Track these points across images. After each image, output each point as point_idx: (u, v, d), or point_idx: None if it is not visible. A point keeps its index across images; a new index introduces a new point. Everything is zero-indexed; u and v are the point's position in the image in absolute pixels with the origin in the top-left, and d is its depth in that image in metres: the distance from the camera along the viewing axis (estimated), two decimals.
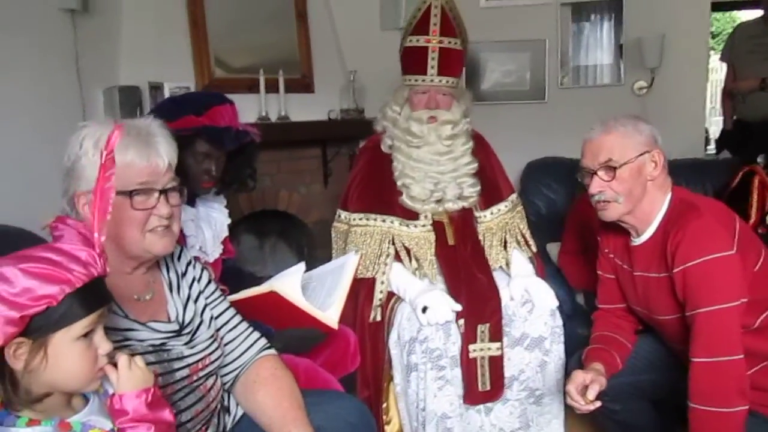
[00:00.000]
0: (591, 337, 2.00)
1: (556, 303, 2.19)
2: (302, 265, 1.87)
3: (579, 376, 1.77)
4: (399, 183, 2.25)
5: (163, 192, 1.30)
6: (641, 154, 1.74)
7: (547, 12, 3.71)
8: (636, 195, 1.75)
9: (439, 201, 2.24)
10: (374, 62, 3.56)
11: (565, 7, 3.70)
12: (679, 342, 1.78)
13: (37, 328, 0.98)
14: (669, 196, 1.78)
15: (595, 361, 1.87)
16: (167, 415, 1.09)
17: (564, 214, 3.16)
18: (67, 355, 1.01)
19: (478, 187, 2.29)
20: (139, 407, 1.05)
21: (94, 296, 1.03)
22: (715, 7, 4.05)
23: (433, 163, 2.23)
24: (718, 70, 10.17)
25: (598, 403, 1.75)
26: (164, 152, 1.31)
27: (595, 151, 1.77)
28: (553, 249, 2.98)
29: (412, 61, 2.22)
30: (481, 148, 2.38)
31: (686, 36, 3.59)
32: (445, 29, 2.17)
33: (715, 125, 8.07)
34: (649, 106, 3.59)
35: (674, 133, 3.57)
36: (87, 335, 1.03)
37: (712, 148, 5.67)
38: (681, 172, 3.20)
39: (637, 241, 1.83)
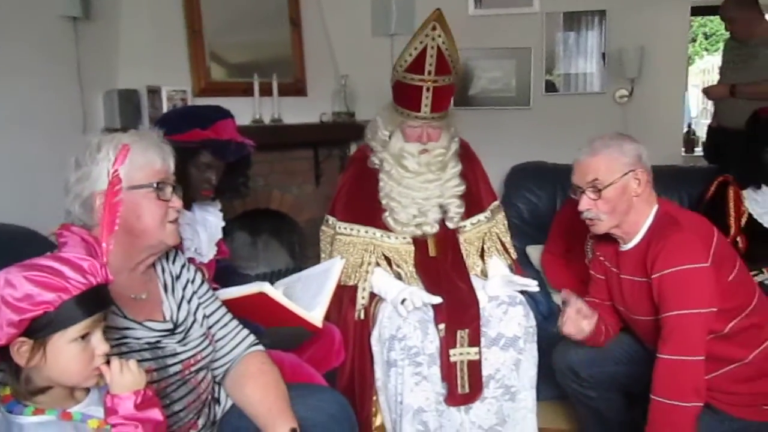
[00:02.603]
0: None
1: (537, 287, 2.27)
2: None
3: (576, 301, 1.99)
4: (384, 202, 2.33)
5: (173, 188, 1.47)
6: (625, 174, 1.89)
7: (532, 21, 3.81)
8: (620, 211, 1.91)
9: (418, 225, 2.33)
10: (365, 67, 3.68)
11: (551, 16, 3.81)
12: (651, 341, 1.93)
13: (36, 329, 1.09)
14: (655, 208, 1.94)
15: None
16: (156, 414, 1.19)
17: (546, 218, 3.28)
18: (63, 355, 1.12)
19: (463, 209, 2.39)
20: (128, 408, 1.15)
21: (90, 303, 1.13)
22: (697, 12, 4.16)
23: (421, 190, 2.32)
24: (709, 71, 10.23)
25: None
26: (170, 157, 1.48)
27: (583, 171, 1.94)
28: (533, 252, 3.11)
29: (406, 98, 2.26)
30: (466, 159, 2.47)
31: (665, 47, 3.70)
32: (440, 69, 2.19)
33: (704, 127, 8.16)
34: (629, 114, 3.71)
35: (653, 141, 3.65)
36: (84, 337, 1.13)
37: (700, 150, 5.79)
38: (658, 179, 3.30)
39: (625, 247, 1.99)
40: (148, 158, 1.43)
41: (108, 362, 1.16)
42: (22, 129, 2.52)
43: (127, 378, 1.16)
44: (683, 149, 5.17)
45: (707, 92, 3.85)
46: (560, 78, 3.87)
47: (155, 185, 1.43)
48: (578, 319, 2.02)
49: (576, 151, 2.04)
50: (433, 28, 2.17)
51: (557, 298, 2.94)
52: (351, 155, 2.61)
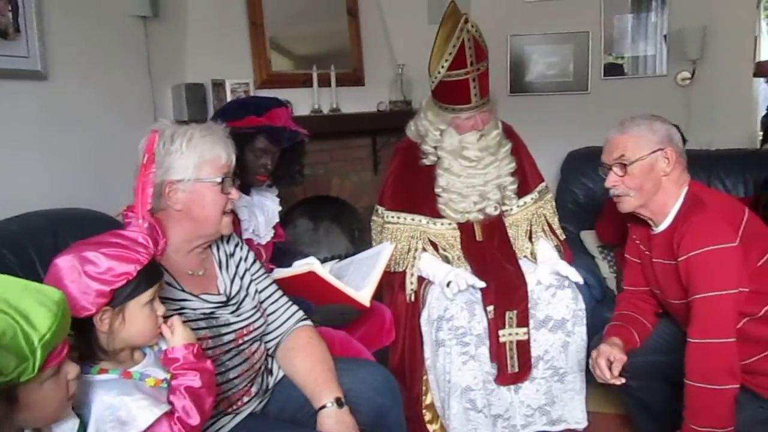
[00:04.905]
0: (613, 315, 2.16)
1: (581, 279, 2.31)
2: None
3: (606, 350, 1.95)
4: (444, 196, 2.40)
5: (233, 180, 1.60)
6: (653, 152, 1.88)
7: (590, 4, 3.77)
8: (647, 189, 1.90)
9: (480, 210, 2.39)
10: (422, 55, 3.67)
11: None
12: (686, 324, 1.92)
13: (117, 298, 1.24)
14: (685, 190, 1.91)
15: (615, 336, 2.03)
16: (209, 365, 1.34)
17: (602, 203, 3.26)
18: (138, 318, 1.27)
19: (516, 185, 2.45)
20: (187, 356, 1.30)
21: (154, 271, 1.30)
22: None
23: (480, 177, 2.38)
24: None
25: (623, 380, 1.93)
26: (233, 151, 1.60)
27: (611, 149, 1.94)
28: (587, 237, 3.10)
29: (455, 94, 2.31)
30: (511, 140, 2.50)
31: (730, 28, 3.57)
32: (478, 56, 2.26)
33: None
34: (692, 96, 3.62)
35: (718, 124, 3.60)
36: (150, 302, 1.29)
37: None
38: (721, 162, 3.23)
39: (656, 230, 1.98)
40: (215, 153, 1.55)
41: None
42: (99, 120, 2.70)
43: (186, 332, 1.33)
44: (761, 133, 4.97)
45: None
46: (626, 61, 3.80)
47: (221, 180, 1.55)
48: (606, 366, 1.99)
49: None
50: (465, 21, 2.23)
51: (611, 283, 2.94)
52: (395, 146, 2.68)
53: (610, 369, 1.94)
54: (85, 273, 1.20)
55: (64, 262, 1.22)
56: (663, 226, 1.94)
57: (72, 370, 1.08)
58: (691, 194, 1.90)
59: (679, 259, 1.82)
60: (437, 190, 2.41)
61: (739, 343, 1.74)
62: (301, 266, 2.01)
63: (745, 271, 1.75)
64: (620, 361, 1.93)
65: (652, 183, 1.89)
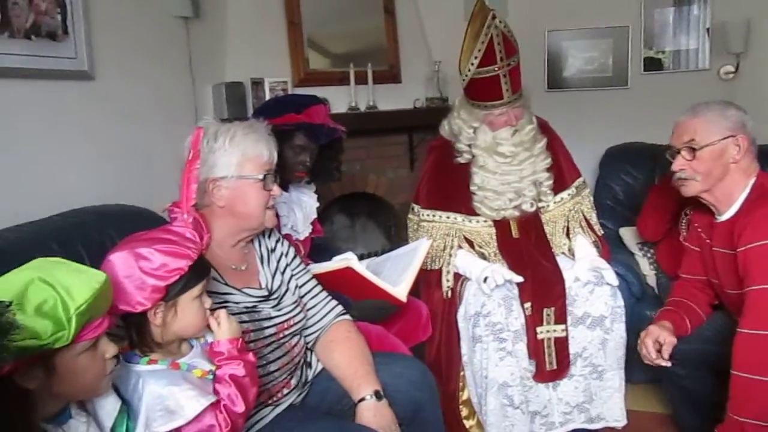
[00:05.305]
0: (667, 301, 2.14)
1: (616, 282, 2.29)
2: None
3: (655, 331, 1.94)
4: (479, 194, 2.39)
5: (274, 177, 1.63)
6: (724, 138, 1.86)
7: None
8: (715, 175, 1.88)
9: (516, 207, 2.38)
10: (458, 52, 3.70)
11: None
12: (740, 316, 1.90)
13: (170, 293, 1.28)
14: (753, 180, 1.89)
15: (665, 320, 2.02)
16: (251, 357, 1.38)
17: (641, 199, 3.21)
18: (189, 311, 1.32)
19: (552, 181, 2.43)
20: (231, 350, 1.34)
21: (203, 265, 1.34)
22: None
23: (516, 173, 2.37)
24: None
25: (669, 363, 1.92)
26: (275, 149, 1.64)
27: (681, 132, 1.93)
28: (627, 234, 3.06)
29: (486, 91, 2.30)
30: (546, 135, 2.48)
31: None
32: (508, 51, 2.24)
33: None
34: (736, 91, 3.52)
35: (764, 119, 3.48)
36: (199, 295, 1.33)
37: None
38: (764, 157, 3.15)
39: (720, 218, 1.96)
40: (258, 151, 1.58)
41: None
42: (143, 118, 2.77)
43: (233, 325, 1.37)
44: None
45: None
46: (667, 55, 3.73)
47: (263, 177, 1.58)
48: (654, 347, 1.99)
49: None
50: (493, 17, 2.22)
51: (651, 281, 2.90)
52: (430, 144, 2.68)
53: (659, 351, 1.94)
54: (140, 269, 1.25)
55: (119, 259, 1.26)
56: (727, 215, 1.92)
57: (110, 349, 1.13)
58: (759, 185, 1.88)
59: (739, 250, 1.80)
60: (472, 188, 2.41)
61: None
62: (338, 261, 2.03)
63: None
64: (670, 344, 1.93)
65: (720, 169, 1.87)
